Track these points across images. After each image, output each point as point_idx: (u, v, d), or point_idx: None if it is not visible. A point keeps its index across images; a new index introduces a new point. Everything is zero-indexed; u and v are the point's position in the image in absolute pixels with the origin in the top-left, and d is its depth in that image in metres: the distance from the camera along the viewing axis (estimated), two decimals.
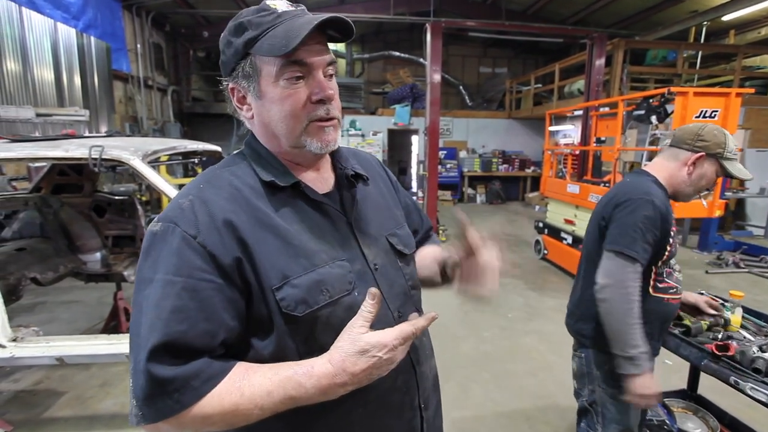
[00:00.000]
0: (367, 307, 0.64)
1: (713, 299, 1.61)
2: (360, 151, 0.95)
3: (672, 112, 3.62)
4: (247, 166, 0.75)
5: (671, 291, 1.45)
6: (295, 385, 0.61)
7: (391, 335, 0.62)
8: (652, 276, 1.42)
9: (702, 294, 1.75)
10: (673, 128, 3.69)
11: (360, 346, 0.61)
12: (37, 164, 4.18)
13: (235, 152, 0.80)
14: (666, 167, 1.45)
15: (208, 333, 0.62)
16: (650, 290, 1.43)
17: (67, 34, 6.40)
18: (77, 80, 6.61)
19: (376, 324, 0.68)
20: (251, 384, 0.61)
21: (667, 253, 1.40)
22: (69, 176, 3.22)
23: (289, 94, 0.68)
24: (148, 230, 0.67)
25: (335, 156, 0.84)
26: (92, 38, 6.87)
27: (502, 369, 2.98)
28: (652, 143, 6.72)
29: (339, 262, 0.72)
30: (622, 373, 1.31)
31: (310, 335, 0.68)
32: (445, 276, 0.94)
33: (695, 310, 1.67)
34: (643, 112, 3.83)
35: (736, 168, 1.40)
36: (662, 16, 9.01)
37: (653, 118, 3.75)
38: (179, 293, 0.61)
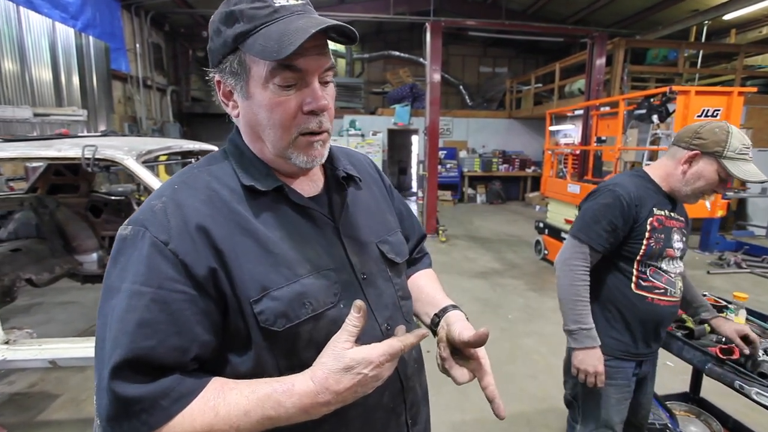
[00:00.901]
0: (352, 321, 0.59)
1: (751, 332, 1.45)
2: (353, 151, 0.90)
3: (673, 111, 3.58)
4: (227, 165, 0.69)
5: (657, 291, 1.42)
6: (274, 404, 0.56)
7: (377, 351, 0.58)
8: (634, 273, 1.43)
9: (739, 319, 1.61)
10: (674, 128, 3.66)
11: (344, 362, 0.56)
12: (33, 164, 4.16)
13: (216, 150, 0.74)
14: (664, 165, 1.44)
15: (178, 348, 0.57)
16: (632, 287, 1.43)
17: (66, 33, 6.38)
18: (76, 80, 6.58)
19: (363, 337, 0.63)
20: (227, 403, 0.56)
21: (643, 249, 1.39)
22: (65, 176, 3.19)
23: (279, 101, 0.62)
24: (117, 234, 0.62)
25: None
26: (91, 38, 6.85)
27: (502, 371, 2.94)
28: (653, 143, 6.69)
29: (324, 271, 0.67)
30: (568, 346, 1.43)
31: (291, 351, 0.63)
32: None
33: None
34: (644, 111, 3.80)
35: (739, 169, 1.30)
36: (663, 16, 8.98)
37: (654, 118, 3.72)
38: (148, 305, 0.56)
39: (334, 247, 0.70)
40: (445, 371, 0.73)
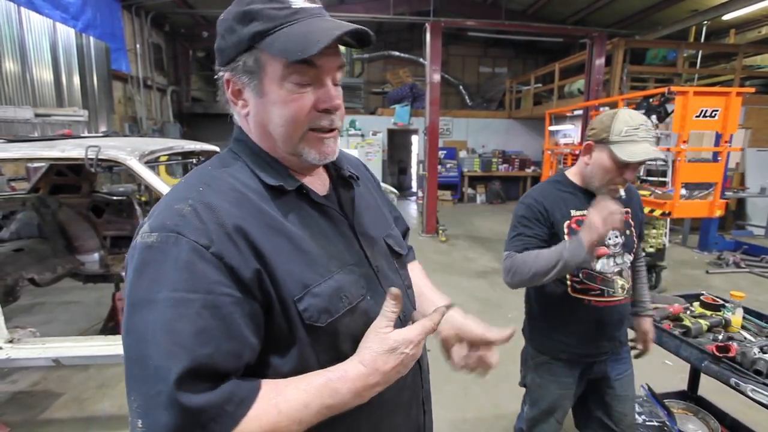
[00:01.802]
0: (390, 307, 0.63)
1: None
2: (346, 152, 0.92)
3: (672, 111, 3.60)
4: (243, 166, 0.69)
5: (593, 293, 1.42)
6: (330, 392, 0.58)
7: (415, 331, 0.62)
8: (568, 277, 1.43)
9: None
10: (673, 128, 3.68)
11: (389, 344, 0.61)
12: (35, 165, 4.18)
13: (225, 151, 0.73)
14: (578, 164, 1.45)
15: (234, 354, 0.56)
16: (569, 291, 1.44)
17: (66, 34, 6.39)
18: (76, 80, 6.59)
19: None
20: (286, 399, 0.57)
21: None
22: (67, 177, 3.21)
23: (294, 98, 0.63)
24: (138, 243, 0.58)
25: None
26: (91, 38, 6.86)
27: (502, 370, 2.94)
28: None
29: (349, 266, 0.69)
30: (579, 261, 1.25)
31: (332, 345, 0.65)
32: None
33: None
34: (643, 111, 3.82)
35: (624, 150, 1.28)
36: (662, 16, 9.00)
37: (653, 118, 3.73)
38: (199, 312, 0.54)
39: (351, 243, 0.73)
40: (465, 365, 0.80)
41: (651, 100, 3.74)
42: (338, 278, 0.66)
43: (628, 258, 1.46)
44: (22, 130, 5.08)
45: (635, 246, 1.49)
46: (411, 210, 9.92)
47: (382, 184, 7.47)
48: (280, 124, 0.65)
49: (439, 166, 9.58)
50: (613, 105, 4.97)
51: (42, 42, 5.92)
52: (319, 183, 0.76)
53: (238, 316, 0.57)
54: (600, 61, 6.48)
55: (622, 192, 1.39)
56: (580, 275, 1.42)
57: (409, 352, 0.61)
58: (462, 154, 11.30)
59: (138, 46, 8.22)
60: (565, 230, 1.41)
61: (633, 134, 1.29)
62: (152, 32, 8.78)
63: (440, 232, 6.88)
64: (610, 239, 1.42)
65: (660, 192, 4.05)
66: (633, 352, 1.60)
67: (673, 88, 3.44)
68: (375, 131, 10.58)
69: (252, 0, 0.63)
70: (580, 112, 7.37)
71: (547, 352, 1.55)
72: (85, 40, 6.73)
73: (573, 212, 1.42)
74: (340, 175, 0.78)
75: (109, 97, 7.40)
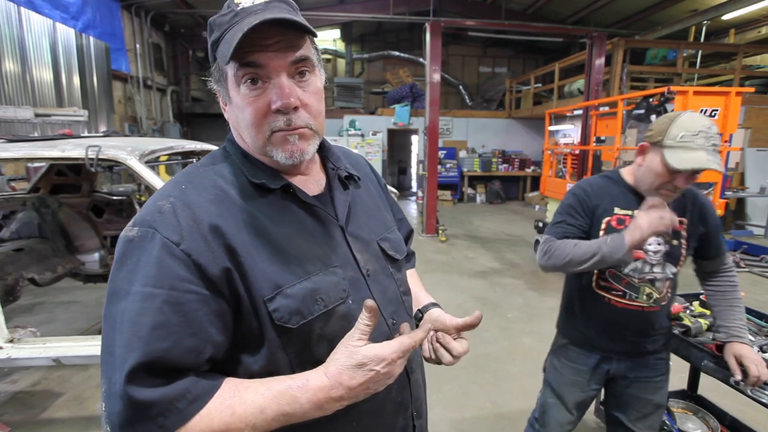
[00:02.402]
0: (364, 320, 0.60)
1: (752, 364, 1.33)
2: (350, 151, 0.92)
3: (672, 111, 3.61)
4: (231, 164, 0.70)
5: (615, 293, 1.42)
6: (289, 400, 0.57)
7: (389, 349, 0.59)
8: (594, 272, 1.44)
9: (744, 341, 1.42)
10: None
11: (357, 359, 0.58)
12: (35, 164, 4.17)
13: (215, 150, 0.75)
14: (635, 163, 1.42)
15: (193, 350, 0.56)
16: (593, 286, 1.47)
17: (66, 34, 6.39)
18: (76, 80, 6.59)
19: (371, 333, 0.66)
20: (243, 401, 0.57)
21: None
22: (67, 176, 3.21)
23: (249, 101, 0.63)
24: (122, 236, 0.60)
25: (326, 155, 0.80)
26: (91, 38, 6.86)
27: (502, 370, 2.96)
28: None
29: (332, 268, 0.68)
30: (617, 258, 1.26)
31: (304, 347, 0.64)
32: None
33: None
34: (642, 111, 3.82)
35: (676, 157, 1.22)
36: (662, 16, 9.00)
37: (653, 118, 3.73)
38: (161, 307, 0.55)
39: (339, 244, 0.71)
40: (435, 356, 0.80)
41: (651, 99, 3.74)
42: (315, 280, 0.65)
43: (671, 269, 1.40)
44: (22, 130, 5.08)
45: (682, 258, 1.41)
46: (411, 210, 9.92)
47: None
48: (245, 127, 0.66)
49: (439, 166, 9.58)
50: (613, 105, 4.97)
51: (42, 42, 5.92)
52: (312, 183, 0.75)
53: (203, 313, 0.57)
54: (600, 61, 6.48)
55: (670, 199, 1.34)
56: (607, 273, 1.42)
57: (381, 369, 0.58)
58: (462, 153, 11.30)
59: (138, 46, 8.22)
60: (603, 225, 1.40)
61: (690, 141, 1.21)
62: (152, 32, 8.78)
63: (440, 231, 6.88)
64: (650, 245, 1.37)
65: None
66: (732, 379, 1.40)
67: (673, 88, 3.44)
68: (375, 131, 10.58)
69: (216, 15, 0.66)
70: (580, 111, 7.37)
71: (567, 336, 1.58)
72: (85, 40, 6.73)
73: (616, 209, 1.40)
74: (338, 174, 0.77)
75: (109, 97, 7.40)
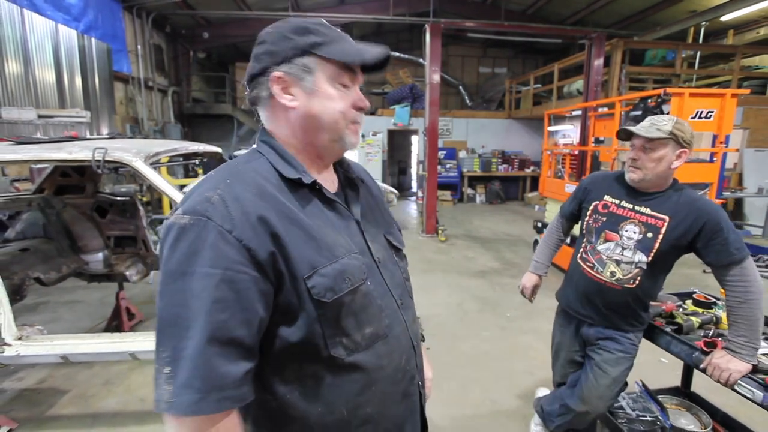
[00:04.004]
0: None
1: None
2: (351, 160, 1.04)
3: (668, 112, 3.65)
4: (265, 162, 0.79)
5: (588, 264, 1.72)
6: None
7: None
8: (582, 245, 1.78)
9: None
10: None
11: None
12: (38, 166, 4.22)
13: (251, 149, 0.85)
14: None
15: (246, 322, 0.67)
16: (578, 256, 1.79)
17: (68, 35, 6.44)
18: (78, 81, 6.64)
19: (385, 309, 0.80)
20: None
21: (584, 224, 1.76)
22: (71, 177, 3.25)
23: (342, 96, 0.79)
24: (172, 222, 0.67)
25: (338, 160, 0.92)
26: (93, 39, 6.90)
27: (501, 368, 3.01)
28: None
29: (354, 254, 0.79)
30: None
31: (335, 319, 0.75)
32: None
33: None
34: (640, 112, 3.86)
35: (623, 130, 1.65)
36: (661, 16, 9.04)
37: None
38: (218, 284, 0.64)
39: (356, 235, 0.83)
40: None
41: (648, 101, 3.78)
42: (343, 262, 0.76)
43: (640, 257, 1.57)
44: (26, 131, 5.13)
45: (653, 251, 1.54)
46: (411, 210, 9.96)
47: (383, 185, 7.44)
48: (333, 113, 0.78)
49: (439, 167, 9.61)
50: (612, 106, 5.02)
51: (44, 43, 5.97)
52: (329, 181, 0.87)
53: (252, 291, 0.67)
54: (599, 62, 6.52)
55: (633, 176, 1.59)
56: (588, 246, 1.73)
57: None
58: (462, 154, 11.33)
59: (139, 47, 8.26)
60: (590, 208, 1.73)
61: (638, 122, 1.61)
62: (153, 33, 8.83)
63: (440, 232, 6.92)
64: (626, 231, 1.59)
65: None
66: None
67: (669, 90, 3.48)
68: (375, 132, 10.62)
69: (304, 22, 0.79)
70: (579, 112, 7.41)
71: (560, 301, 1.96)
72: (87, 42, 6.78)
73: (606, 197, 1.69)
74: (348, 177, 0.90)
75: (111, 97, 7.45)
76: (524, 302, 4.31)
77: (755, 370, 1.39)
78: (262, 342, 0.72)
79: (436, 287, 4.60)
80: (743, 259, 1.42)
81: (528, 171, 11.22)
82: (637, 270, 1.58)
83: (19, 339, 2.05)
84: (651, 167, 1.51)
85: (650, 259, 1.55)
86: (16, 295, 2.70)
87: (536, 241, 5.84)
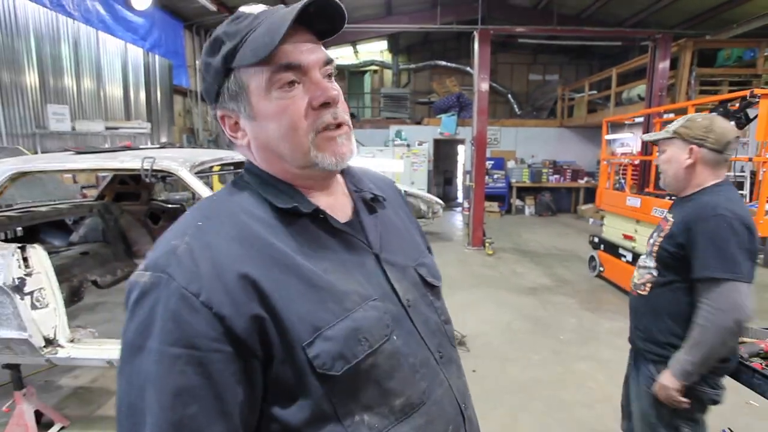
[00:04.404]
0: None
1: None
2: (371, 170, 0.84)
3: (755, 117, 3.22)
4: (252, 194, 0.63)
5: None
6: None
7: None
8: None
9: None
10: (756, 135, 3.30)
11: None
12: (103, 174, 4.51)
13: (231, 181, 0.68)
14: None
15: (223, 414, 0.51)
16: None
17: (135, 53, 6.95)
18: (142, 95, 7.14)
19: (420, 369, 0.61)
20: None
21: None
22: (128, 185, 3.42)
23: (285, 105, 0.58)
24: (132, 280, 0.54)
25: (347, 176, 0.73)
26: (156, 56, 7.42)
27: (554, 397, 2.74)
28: None
29: (371, 302, 0.60)
30: None
31: (351, 395, 0.57)
32: None
33: None
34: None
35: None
36: (736, 13, 8.24)
37: (732, 124, 3.36)
38: (183, 369, 0.49)
39: (375, 274, 0.64)
40: None
41: (729, 104, 3.37)
42: (356, 317, 0.58)
43: (650, 261, 1.49)
44: (94, 141, 5.54)
45: (654, 254, 1.47)
46: (456, 221, 9.72)
47: (428, 195, 7.28)
48: (282, 138, 0.59)
49: (487, 177, 9.32)
50: (680, 111, 4.57)
51: (114, 62, 6.48)
52: (338, 208, 0.68)
53: (228, 373, 0.51)
54: (664, 65, 6.03)
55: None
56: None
57: None
58: (510, 164, 10.96)
59: (197, 62, 8.77)
60: None
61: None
62: None
63: (487, 245, 6.65)
64: (651, 238, 1.52)
65: None
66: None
67: (758, 91, 3.06)
68: (421, 141, 10.54)
69: (218, 28, 0.60)
70: (641, 119, 6.88)
71: None
72: (151, 59, 7.29)
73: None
74: (362, 197, 0.70)
75: (170, 110, 7.94)
76: (579, 324, 4.01)
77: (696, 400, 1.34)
78: (259, 426, 0.56)
79: (482, 304, 4.36)
80: (720, 281, 1.23)
81: (581, 182, 10.60)
82: (649, 275, 1.48)
83: (71, 341, 2.12)
84: (665, 169, 1.48)
85: (654, 263, 1.47)
86: (74, 296, 2.85)
87: (592, 257, 5.42)
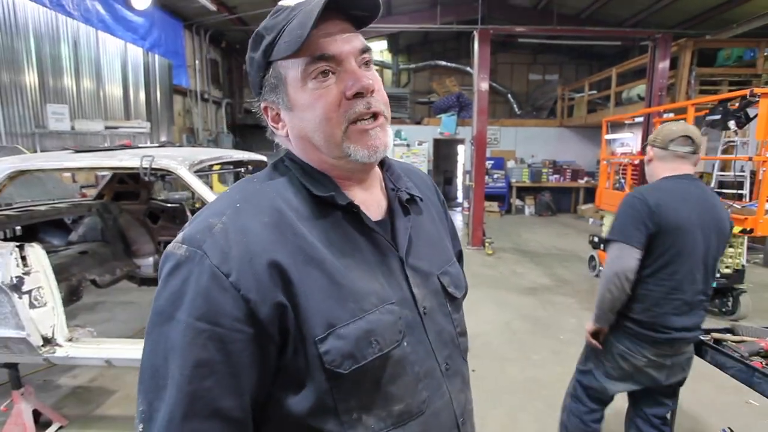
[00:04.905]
0: None
1: None
2: (413, 168, 0.83)
3: (755, 116, 3.21)
4: (291, 180, 0.64)
5: None
6: None
7: None
8: None
9: None
10: (756, 134, 3.29)
11: None
12: (102, 173, 4.50)
13: (274, 162, 0.69)
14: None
15: (236, 390, 0.54)
16: None
17: (135, 53, 6.94)
18: (142, 95, 7.13)
19: (424, 378, 0.61)
20: None
21: None
22: (127, 184, 3.41)
23: (319, 95, 0.58)
24: (169, 251, 0.56)
25: (387, 172, 0.72)
26: (156, 56, 7.40)
27: (554, 397, 2.72)
28: (725, 151, 6.09)
29: (388, 305, 0.60)
30: None
31: (353, 394, 0.58)
32: None
33: None
34: (718, 117, 3.44)
35: None
36: (736, 13, 8.23)
37: (731, 124, 3.35)
38: (205, 343, 0.52)
39: (396, 278, 0.64)
40: None
41: (729, 104, 3.36)
42: (371, 319, 0.58)
43: None
44: (94, 140, 5.53)
45: None
46: (456, 221, 9.71)
47: None
48: (316, 128, 0.60)
49: (486, 177, 9.31)
50: (680, 111, 4.57)
51: (114, 61, 6.47)
52: (374, 204, 0.68)
53: (247, 354, 0.54)
54: (664, 64, 6.02)
55: None
56: None
57: None
58: (510, 164, 10.96)
59: (197, 62, 8.76)
60: None
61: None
62: (210, 49, 9.33)
63: (487, 244, 6.64)
64: None
65: (738, 206, 3.62)
66: None
67: (757, 90, 3.05)
68: (421, 141, 10.55)
69: (260, 26, 0.62)
70: (641, 119, 6.87)
71: None
72: (151, 58, 7.28)
73: None
74: (399, 196, 0.70)
75: (170, 109, 7.93)
76: (579, 324, 3.99)
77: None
78: (265, 407, 0.58)
79: (482, 304, 4.36)
80: (611, 241, 1.59)
81: (581, 182, 10.60)
82: None
83: (70, 340, 2.11)
84: None
85: None
86: (73, 295, 2.84)
87: (592, 257, 5.41)
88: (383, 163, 0.72)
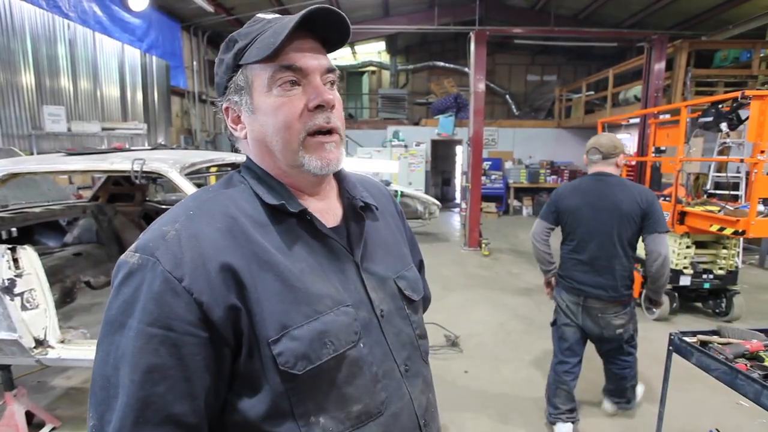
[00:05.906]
0: None
1: None
2: (368, 178, 0.86)
3: (746, 118, 3.22)
4: (246, 188, 0.66)
5: None
6: None
7: None
8: None
9: None
10: (747, 136, 3.30)
11: None
12: (98, 175, 4.50)
13: (232, 172, 0.71)
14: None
15: (188, 395, 0.54)
16: None
17: (133, 54, 6.95)
18: (139, 96, 7.13)
19: (382, 379, 0.62)
20: None
21: None
22: (123, 186, 3.42)
23: (283, 102, 0.61)
24: (121, 260, 0.57)
25: (342, 183, 0.75)
26: (154, 58, 7.41)
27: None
28: (721, 152, 6.11)
29: (344, 308, 0.62)
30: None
31: (310, 396, 0.59)
32: None
33: None
34: (710, 119, 3.45)
35: None
36: (733, 14, 8.25)
37: (723, 126, 3.36)
38: (157, 348, 0.52)
39: (352, 281, 0.66)
40: None
41: (721, 106, 3.37)
42: (325, 320, 0.59)
43: None
44: (91, 142, 5.54)
45: None
46: (454, 222, 9.72)
47: (425, 196, 7.31)
48: (275, 132, 0.63)
49: (484, 178, 9.32)
50: (676, 112, 4.58)
51: (111, 63, 6.48)
52: (329, 212, 0.70)
53: (200, 358, 0.54)
54: (660, 66, 6.04)
55: None
56: None
57: None
58: (508, 164, 10.97)
59: (195, 63, 8.76)
60: None
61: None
62: (208, 50, 9.34)
63: (483, 245, 6.65)
64: None
65: (732, 208, 3.64)
66: None
67: (748, 92, 3.06)
68: (419, 142, 10.55)
69: (236, 31, 0.66)
70: (637, 120, 6.89)
71: None
72: (148, 60, 7.29)
73: None
74: (353, 204, 0.72)
75: (168, 111, 7.94)
76: None
77: None
78: (221, 413, 0.58)
79: (477, 304, 4.37)
80: (537, 218, 2.39)
81: None
82: None
83: (62, 342, 2.12)
84: None
85: None
86: (67, 297, 2.85)
87: None
88: (339, 175, 0.75)
